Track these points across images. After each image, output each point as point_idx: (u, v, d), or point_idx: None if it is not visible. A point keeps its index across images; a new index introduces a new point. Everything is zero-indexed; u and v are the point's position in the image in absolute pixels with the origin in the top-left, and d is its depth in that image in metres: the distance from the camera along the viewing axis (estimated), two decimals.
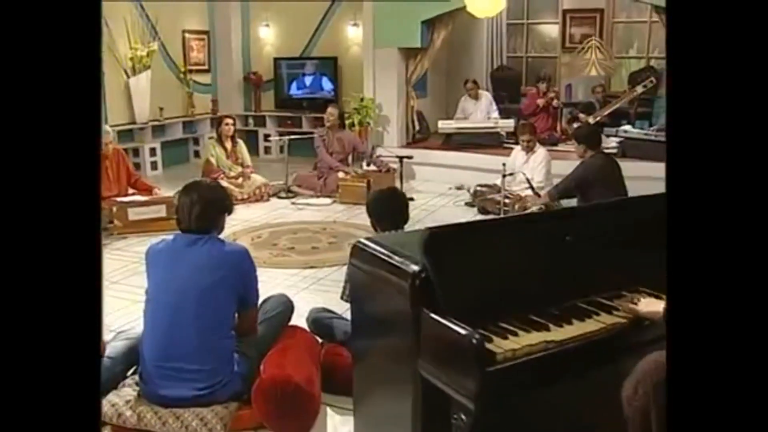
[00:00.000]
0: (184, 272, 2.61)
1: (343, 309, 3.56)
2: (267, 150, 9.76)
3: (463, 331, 1.50)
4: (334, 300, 3.86)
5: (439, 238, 1.67)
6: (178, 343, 2.57)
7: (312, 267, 4.82)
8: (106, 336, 3.05)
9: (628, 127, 7.99)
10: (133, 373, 2.82)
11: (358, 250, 1.95)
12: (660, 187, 5.18)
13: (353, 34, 9.33)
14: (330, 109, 7.45)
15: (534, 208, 5.49)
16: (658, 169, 6.19)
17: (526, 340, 1.62)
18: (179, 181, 7.64)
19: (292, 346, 2.90)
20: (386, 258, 1.81)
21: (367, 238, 2.00)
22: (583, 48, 8.97)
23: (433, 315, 1.59)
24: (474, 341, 1.47)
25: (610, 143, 7.35)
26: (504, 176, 5.86)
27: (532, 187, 5.72)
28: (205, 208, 2.66)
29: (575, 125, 8.16)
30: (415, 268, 1.68)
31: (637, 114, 8.90)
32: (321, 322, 3.27)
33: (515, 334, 1.65)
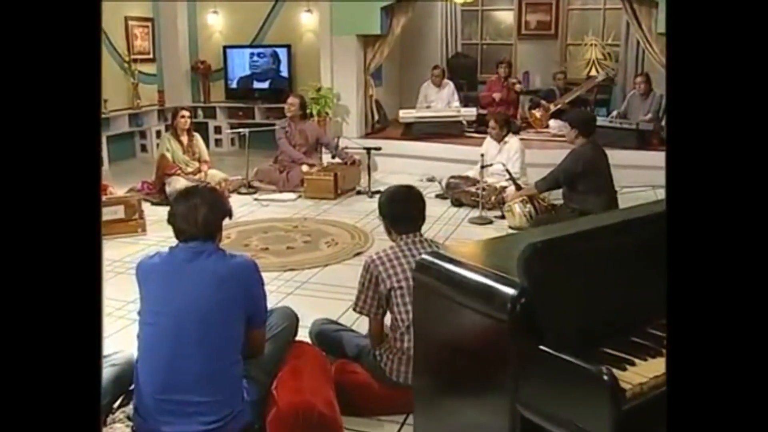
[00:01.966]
0: (186, 291, 2.30)
1: (336, 315, 3.33)
2: (218, 143, 9.31)
3: (590, 367, 1.25)
4: (328, 307, 3.60)
5: (539, 253, 1.41)
6: (181, 371, 2.26)
7: (291, 269, 4.50)
8: None
9: None
10: (121, 405, 2.49)
11: (425, 269, 1.65)
12: (628, 175, 5.07)
13: (307, 20, 8.98)
14: (291, 99, 7.05)
15: (517, 200, 5.29)
16: (624, 156, 6.06)
17: (649, 370, 1.38)
18: (128, 177, 7.28)
19: (303, 366, 2.61)
20: (470, 280, 1.53)
21: (433, 253, 1.71)
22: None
23: (542, 347, 1.33)
24: (605, 377, 1.23)
25: None
26: (483, 167, 5.66)
27: (512, 179, 5.52)
28: (210, 211, 2.38)
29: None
30: (512, 291, 1.41)
31: (596, 101, 8.90)
32: (327, 335, 2.96)
33: (632, 364, 1.41)
